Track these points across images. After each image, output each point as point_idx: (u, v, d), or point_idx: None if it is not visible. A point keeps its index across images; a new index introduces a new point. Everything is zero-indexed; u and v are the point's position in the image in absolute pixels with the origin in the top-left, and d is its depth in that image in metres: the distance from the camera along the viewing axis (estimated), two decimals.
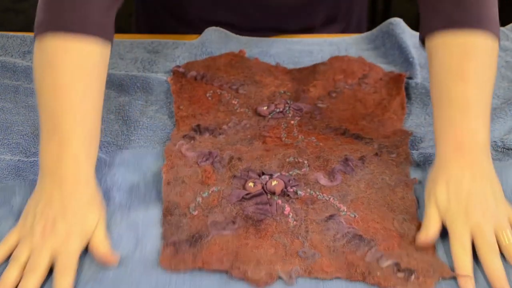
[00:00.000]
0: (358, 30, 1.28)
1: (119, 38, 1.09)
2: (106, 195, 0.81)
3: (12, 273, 0.71)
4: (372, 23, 2.64)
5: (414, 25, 1.07)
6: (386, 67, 1.08)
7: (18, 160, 0.87)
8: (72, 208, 0.75)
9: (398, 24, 1.14)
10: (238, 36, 1.16)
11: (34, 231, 0.74)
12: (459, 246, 0.73)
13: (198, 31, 1.16)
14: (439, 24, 0.84)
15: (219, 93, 1.02)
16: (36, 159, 0.85)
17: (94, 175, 0.79)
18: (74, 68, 0.80)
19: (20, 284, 0.70)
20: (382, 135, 0.93)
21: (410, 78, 1.04)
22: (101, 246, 0.75)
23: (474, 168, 0.77)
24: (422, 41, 0.88)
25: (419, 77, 1.04)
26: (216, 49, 1.12)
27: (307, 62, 1.10)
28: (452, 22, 0.83)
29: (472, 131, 0.78)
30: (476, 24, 0.83)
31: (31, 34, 1.13)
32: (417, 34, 0.97)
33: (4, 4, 2.85)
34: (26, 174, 0.85)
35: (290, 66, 1.10)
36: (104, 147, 0.90)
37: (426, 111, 0.98)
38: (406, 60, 1.08)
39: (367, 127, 0.95)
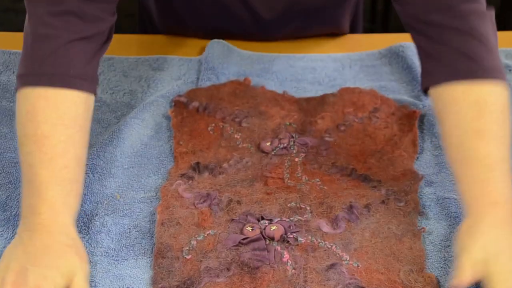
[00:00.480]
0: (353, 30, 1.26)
1: (118, 38, 1.07)
2: (94, 239, 0.79)
3: None
4: (372, 23, 2.64)
5: None
6: (393, 85, 1.06)
7: (6, 197, 0.84)
8: (45, 259, 0.72)
9: (409, 47, 1.11)
10: (240, 50, 1.14)
11: (5, 283, 0.70)
12: None
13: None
14: (446, 75, 0.81)
15: (221, 126, 0.98)
16: None
17: (73, 224, 0.76)
18: (56, 118, 0.78)
19: None
20: (391, 176, 0.89)
21: (423, 115, 1.00)
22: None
23: (510, 224, 0.75)
24: (425, 90, 0.85)
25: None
26: (219, 63, 1.10)
27: (310, 79, 1.08)
28: (459, 73, 0.80)
29: (503, 188, 0.77)
30: (485, 74, 0.80)
31: None
32: None
33: (4, 4, 2.84)
34: (13, 211, 0.82)
35: (293, 84, 1.07)
36: (97, 172, 0.88)
37: (432, 132, 0.96)
38: (414, 79, 1.06)
39: (376, 166, 0.91)
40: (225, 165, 0.91)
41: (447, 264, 0.76)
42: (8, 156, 0.91)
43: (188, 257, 0.77)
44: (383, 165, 0.91)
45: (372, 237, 0.79)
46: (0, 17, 2.81)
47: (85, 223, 0.80)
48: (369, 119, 0.99)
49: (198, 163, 0.91)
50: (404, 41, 1.13)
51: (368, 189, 0.87)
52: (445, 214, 0.82)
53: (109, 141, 0.92)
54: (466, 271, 0.72)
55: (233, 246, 0.78)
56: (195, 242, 0.79)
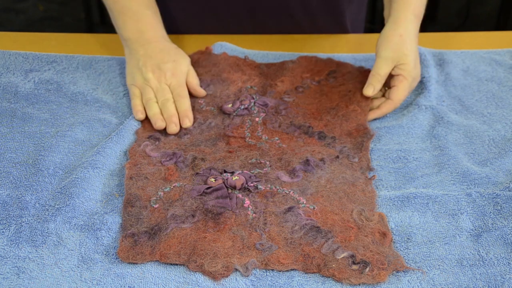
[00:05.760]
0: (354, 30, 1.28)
1: (118, 38, 1.09)
2: (95, 237, 0.78)
3: (154, 109, 0.96)
4: (372, 23, 2.64)
5: None
6: None
7: (6, 195, 0.84)
8: (167, 55, 1.01)
9: None
10: (242, 49, 1.15)
11: (148, 79, 0.99)
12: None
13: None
14: None
15: None
16: (24, 194, 0.83)
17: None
18: None
19: (169, 109, 0.95)
20: (346, 131, 0.94)
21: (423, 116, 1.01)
22: (195, 80, 1.01)
23: (417, 37, 1.00)
24: None
25: (432, 96, 1.03)
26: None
27: None
28: None
29: (421, 6, 1.00)
30: None
31: (33, 52, 1.12)
32: (436, 51, 1.02)
33: (4, 4, 2.84)
34: (13, 210, 0.81)
35: None
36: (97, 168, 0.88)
37: (432, 134, 0.96)
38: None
39: (331, 122, 0.96)
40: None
41: (445, 263, 0.76)
42: (8, 156, 0.90)
43: (156, 206, 0.82)
44: (338, 121, 0.96)
45: (327, 183, 0.85)
46: (0, 17, 2.81)
47: (85, 221, 0.80)
48: (326, 80, 1.05)
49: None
50: None
51: (324, 147, 0.92)
52: (443, 212, 0.82)
53: (110, 141, 0.92)
54: (381, 65, 0.96)
55: (198, 195, 0.83)
56: (162, 193, 0.84)
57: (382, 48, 0.97)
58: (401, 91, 0.97)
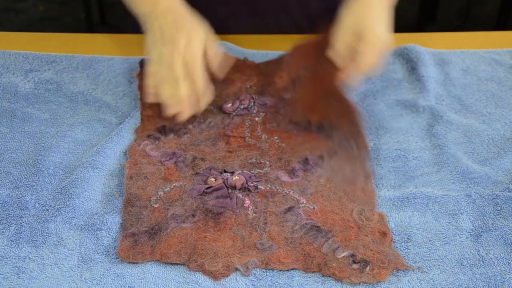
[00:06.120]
0: None
1: (118, 38, 1.11)
2: (95, 237, 0.78)
3: (164, 92, 0.92)
4: None
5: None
6: (396, 83, 1.07)
7: (6, 195, 0.83)
8: (184, 25, 0.94)
9: (413, 48, 1.13)
10: (242, 49, 1.15)
11: (162, 54, 0.92)
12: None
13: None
14: None
15: None
16: (24, 194, 0.83)
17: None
18: None
19: (178, 93, 0.92)
20: (340, 113, 0.93)
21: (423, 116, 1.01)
22: (211, 51, 0.95)
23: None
24: None
25: (431, 95, 1.03)
26: None
27: None
28: None
29: None
30: None
31: (33, 52, 1.12)
32: (436, 51, 0.98)
33: (4, 4, 2.84)
34: (13, 210, 0.81)
35: None
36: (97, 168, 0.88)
37: (432, 133, 0.96)
38: (416, 79, 1.07)
39: (327, 109, 0.94)
40: (189, 126, 0.96)
41: (444, 262, 0.76)
42: (8, 156, 0.90)
43: (156, 205, 0.82)
44: (332, 106, 0.95)
45: (327, 182, 0.85)
46: (0, 17, 2.81)
47: (85, 221, 0.80)
48: (318, 63, 1.02)
49: (164, 126, 0.95)
50: (404, 41, 1.15)
51: (323, 140, 0.92)
52: (443, 212, 0.82)
53: (110, 141, 0.93)
54: (340, 38, 0.92)
55: (198, 195, 0.83)
56: (162, 193, 0.84)
57: (344, 14, 0.94)
58: (365, 58, 0.92)
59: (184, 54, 0.92)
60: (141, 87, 1.01)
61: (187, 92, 0.92)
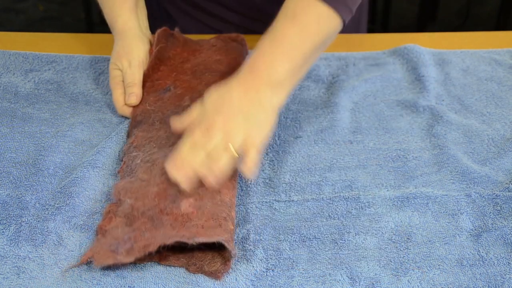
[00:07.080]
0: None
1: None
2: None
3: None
4: (372, 23, 2.65)
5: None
6: (396, 83, 1.06)
7: (6, 195, 0.84)
8: (128, 51, 1.01)
9: (413, 49, 1.13)
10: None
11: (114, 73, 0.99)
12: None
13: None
14: None
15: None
16: (24, 193, 0.84)
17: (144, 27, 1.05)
18: None
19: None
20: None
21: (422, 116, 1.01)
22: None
23: (250, 92, 0.83)
24: None
25: (431, 95, 1.03)
26: None
27: (314, 77, 1.08)
28: None
29: (271, 63, 0.84)
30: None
31: (33, 52, 1.12)
32: (436, 51, 0.96)
33: (4, 4, 2.84)
34: (13, 210, 0.82)
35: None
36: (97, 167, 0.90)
37: (432, 133, 0.96)
38: (417, 79, 1.06)
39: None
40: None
41: (449, 262, 0.76)
42: (8, 156, 0.90)
43: None
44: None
45: None
46: (0, 17, 2.81)
47: (85, 221, 0.80)
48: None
49: None
50: (404, 41, 1.15)
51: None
52: (443, 212, 0.82)
53: (110, 141, 0.93)
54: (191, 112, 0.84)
55: None
56: None
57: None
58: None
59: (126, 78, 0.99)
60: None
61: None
